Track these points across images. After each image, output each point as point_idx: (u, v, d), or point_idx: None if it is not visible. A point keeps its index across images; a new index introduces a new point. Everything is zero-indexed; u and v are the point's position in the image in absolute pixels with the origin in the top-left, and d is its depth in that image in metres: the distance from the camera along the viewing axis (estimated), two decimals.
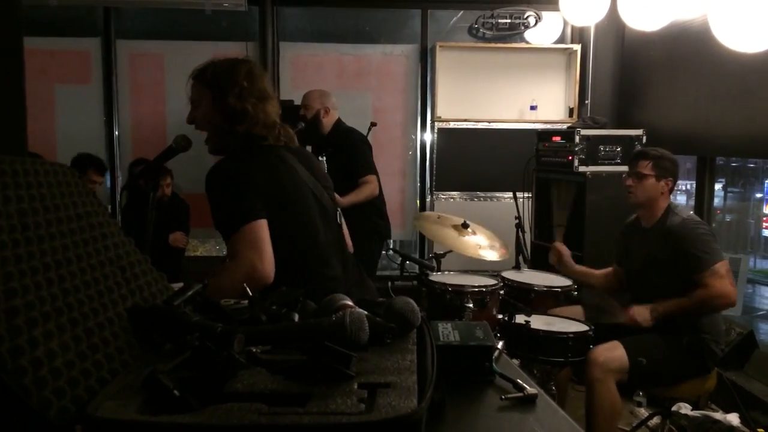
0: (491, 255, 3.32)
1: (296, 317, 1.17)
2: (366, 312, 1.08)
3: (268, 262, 1.76)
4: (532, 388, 1.13)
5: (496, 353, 1.27)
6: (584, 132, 4.12)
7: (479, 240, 3.37)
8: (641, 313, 2.85)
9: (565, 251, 3.38)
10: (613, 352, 2.82)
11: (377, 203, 4.00)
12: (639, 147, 4.05)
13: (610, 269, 3.32)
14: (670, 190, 3.00)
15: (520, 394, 1.12)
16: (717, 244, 2.86)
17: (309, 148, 4.26)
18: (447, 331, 1.27)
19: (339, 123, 4.02)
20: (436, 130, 5.28)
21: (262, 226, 1.79)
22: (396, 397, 0.88)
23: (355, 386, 0.91)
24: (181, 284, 1.21)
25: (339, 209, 2.11)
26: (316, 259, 1.92)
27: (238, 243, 1.77)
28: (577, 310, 3.17)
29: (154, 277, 1.27)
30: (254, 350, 0.99)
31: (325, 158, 3.65)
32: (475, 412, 1.09)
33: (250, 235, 1.77)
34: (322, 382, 0.91)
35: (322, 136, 3.97)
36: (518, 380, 1.15)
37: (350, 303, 1.19)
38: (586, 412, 2.88)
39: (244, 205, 1.80)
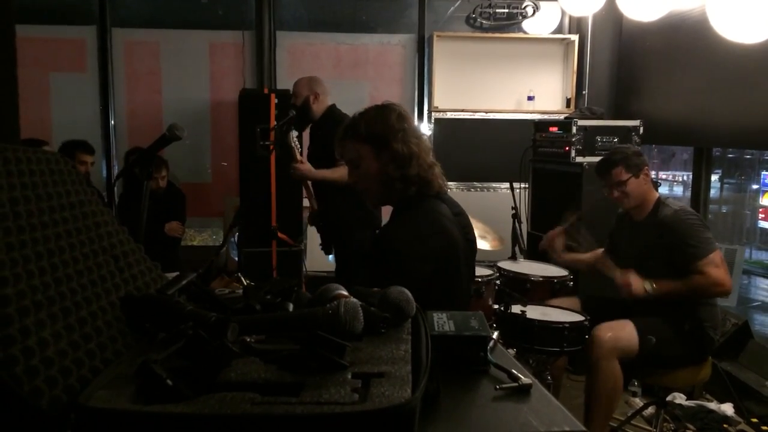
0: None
1: (291, 307, 1.17)
2: (361, 302, 1.08)
3: None
4: (526, 377, 1.12)
5: (491, 343, 1.27)
6: (581, 122, 4.11)
7: None
8: (636, 282, 2.82)
9: (557, 242, 3.34)
10: (621, 330, 2.81)
11: None
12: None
13: (600, 250, 3.30)
14: (650, 178, 3.01)
15: (515, 384, 1.12)
16: (710, 234, 2.86)
17: (300, 136, 4.24)
18: (442, 321, 1.27)
19: (332, 109, 3.95)
20: (433, 121, 5.27)
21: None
22: (390, 387, 0.87)
23: (349, 376, 0.91)
24: (176, 273, 1.21)
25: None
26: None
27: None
28: (574, 301, 3.15)
29: (147, 266, 1.27)
30: (248, 339, 0.98)
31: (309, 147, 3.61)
32: (470, 402, 1.09)
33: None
34: (315, 372, 0.90)
35: (314, 122, 3.94)
36: (513, 370, 1.15)
37: (345, 293, 1.18)
38: (586, 395, 2.86)
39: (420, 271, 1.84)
